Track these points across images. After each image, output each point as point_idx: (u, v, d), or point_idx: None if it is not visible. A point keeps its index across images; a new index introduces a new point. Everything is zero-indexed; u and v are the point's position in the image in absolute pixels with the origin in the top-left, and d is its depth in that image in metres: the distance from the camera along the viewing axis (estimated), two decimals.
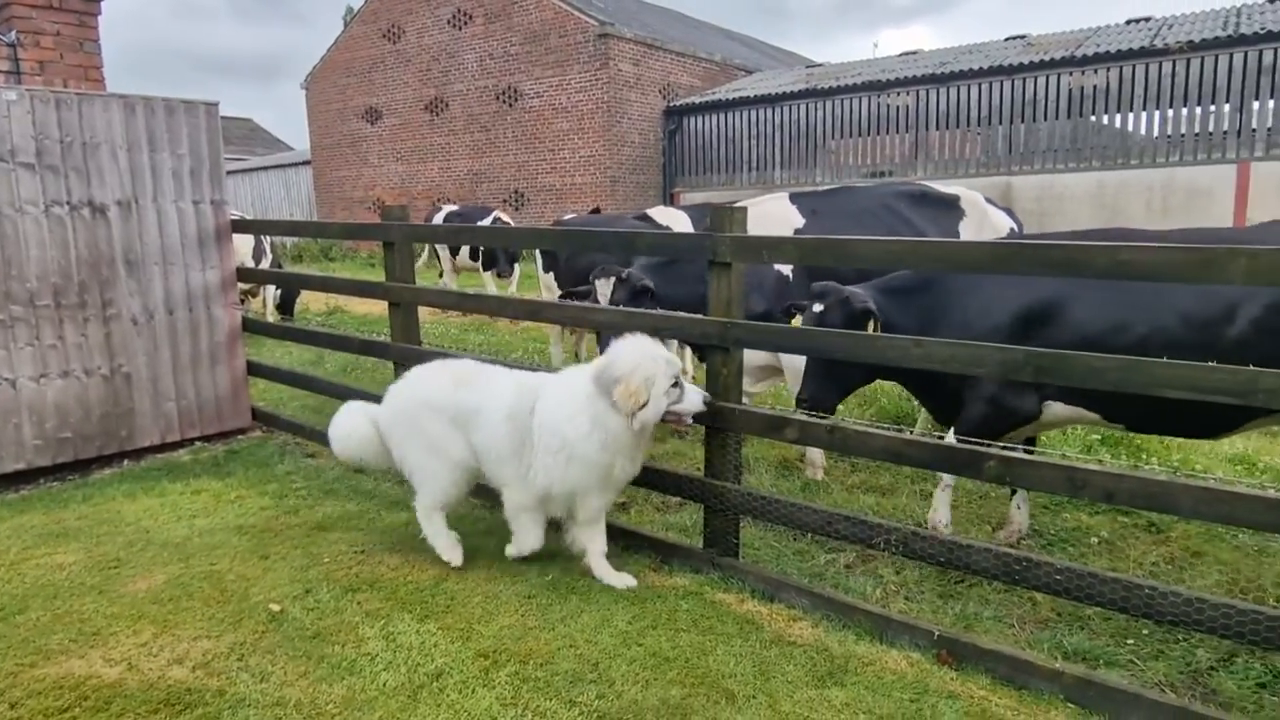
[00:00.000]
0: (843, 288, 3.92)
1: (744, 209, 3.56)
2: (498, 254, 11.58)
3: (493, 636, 3.17)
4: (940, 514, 4.08)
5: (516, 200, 20.50)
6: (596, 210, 14.04)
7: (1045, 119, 15.31)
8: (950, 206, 5.38)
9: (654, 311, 4.26)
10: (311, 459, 5.62)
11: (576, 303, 4.76)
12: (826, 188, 10.26)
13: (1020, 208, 14.02)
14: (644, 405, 3.30)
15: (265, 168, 29.38)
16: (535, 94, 19.72)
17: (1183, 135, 14.09)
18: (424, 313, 10.52)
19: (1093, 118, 15.02)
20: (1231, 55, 13.50)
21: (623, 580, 3.61)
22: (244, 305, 9.91)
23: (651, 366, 3.34)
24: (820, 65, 23.37)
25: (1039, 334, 3.49)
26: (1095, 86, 14.78)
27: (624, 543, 3.95)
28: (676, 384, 3.42)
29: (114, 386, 5.42)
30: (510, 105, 20.20)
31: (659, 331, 4.14)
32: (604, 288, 4.81)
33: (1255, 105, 13.38)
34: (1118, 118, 14.84)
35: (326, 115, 24.25)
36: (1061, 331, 3.46)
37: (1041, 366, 2.81)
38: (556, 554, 3.92)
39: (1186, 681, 2.95)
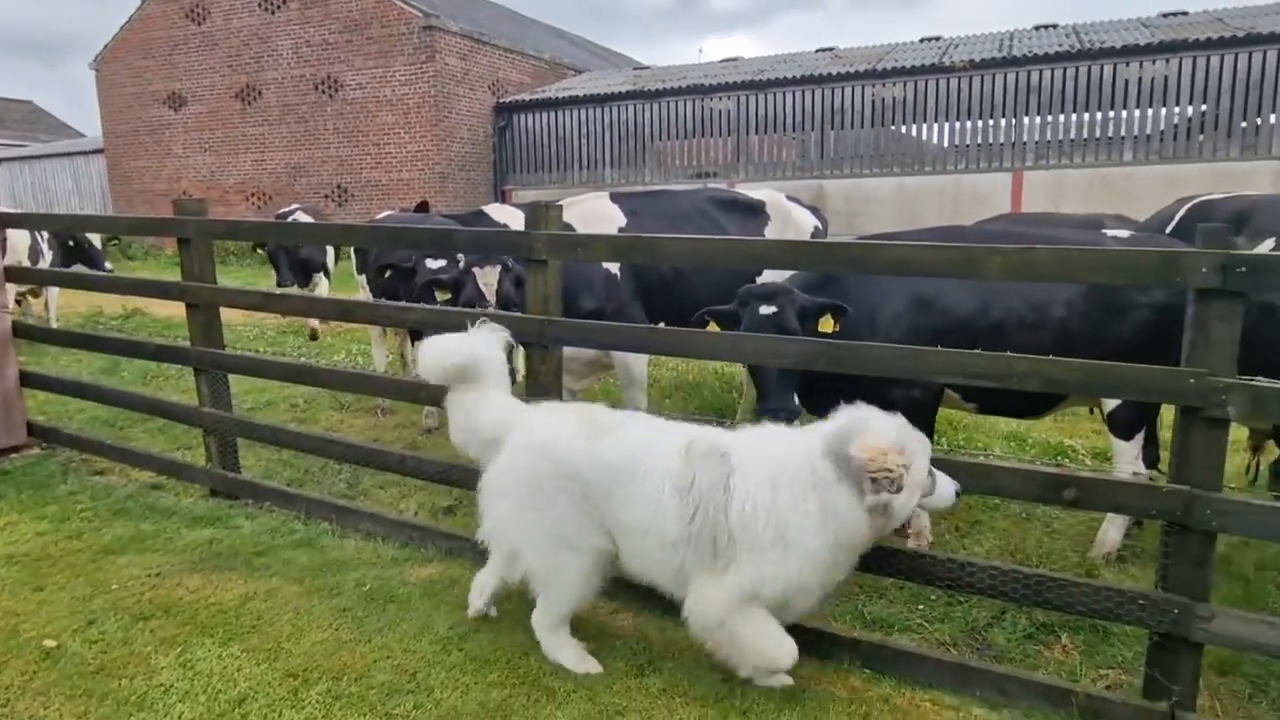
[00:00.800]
0: (790, 288, 3.74)
1: (560, 207, 3.57)
2: (278, 257, 8.34)
3: (303, 654, 3.02)
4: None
5: (340, 196, 19.54)
6: (423, 205, 13.48)
7: (852, 127, 16.43)
8: (756, 211, 5.73)
9: (471, 310, 4.18)
10: (99, 476, 5.12)
11: (389, 302, 4.57)
12: (645, 189, 10.49)
13: (831, 209, 14.95)
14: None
15: (50, 155, 26.32)
16: (357, 85, 18.86)
17: (968, 145, 15.58)
18: (236, 315, 9.86)
19: (893, 127, 16.28)
20: (1005, 74, 15.07)
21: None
22: (20, 309, 8.89)
23: (915, 448, 2.60)
24: (648, 68, 23.86)
25: (928, 318, 3.74)
26: (895, 98, 16.01)
27: (446, 546, 3.86)
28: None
29: None
30: (330, 96, 19.22)
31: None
32: (488, 276, 4.26)
33: (1026, 120, 15.06)
34: (914, 128, 16.17)
35: (121, 100, 22.04)
36: (943, 316, 3.73)
37: (835, 356, 3.01)
38: (374, 562, 3.79)
39: (966, 639, 3.27)
